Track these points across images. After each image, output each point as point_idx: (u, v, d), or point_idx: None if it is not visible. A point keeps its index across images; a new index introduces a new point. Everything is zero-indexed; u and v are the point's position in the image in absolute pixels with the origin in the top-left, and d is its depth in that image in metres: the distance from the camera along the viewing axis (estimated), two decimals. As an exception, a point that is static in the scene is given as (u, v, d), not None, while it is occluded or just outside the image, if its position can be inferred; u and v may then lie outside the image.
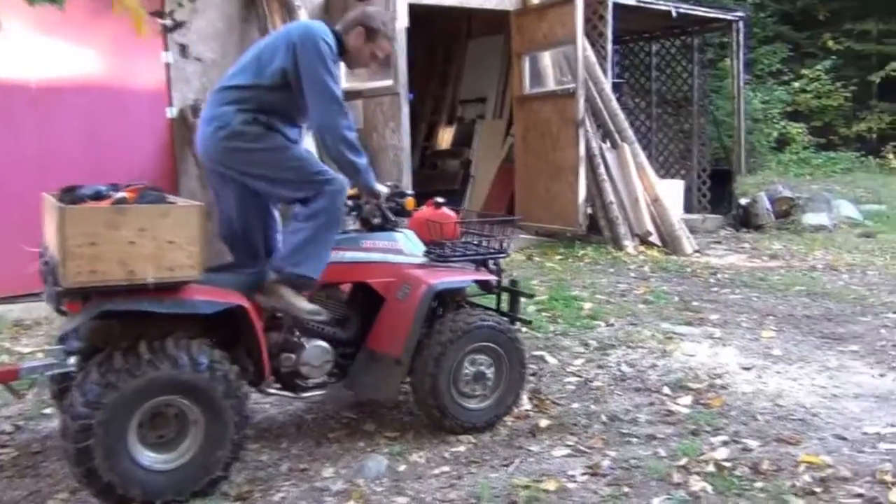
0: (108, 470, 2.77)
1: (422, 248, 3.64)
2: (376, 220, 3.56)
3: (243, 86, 3.29)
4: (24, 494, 3.02)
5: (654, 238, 8.00)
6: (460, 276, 3.56)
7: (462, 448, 3.37)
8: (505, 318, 3.68)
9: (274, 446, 3.45)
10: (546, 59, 8.64)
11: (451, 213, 3.88)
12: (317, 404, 3.91)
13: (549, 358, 4.49)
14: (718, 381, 4.09)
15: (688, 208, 10.71)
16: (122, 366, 2.78)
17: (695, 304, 5.80)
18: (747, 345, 4.76)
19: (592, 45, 8.76)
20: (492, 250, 3.72)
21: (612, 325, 5.17)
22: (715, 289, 6.38)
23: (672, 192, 10.29)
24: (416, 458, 3.28)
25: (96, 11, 5.94)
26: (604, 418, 3.66)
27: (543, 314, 5.41)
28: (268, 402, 3.82)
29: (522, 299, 4.00)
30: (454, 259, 3.62)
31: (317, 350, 3.41)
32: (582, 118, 7.96)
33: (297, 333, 3.39)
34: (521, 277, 6.55)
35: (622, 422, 3.63)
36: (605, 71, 8.76)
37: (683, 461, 3.14)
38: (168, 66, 6.52)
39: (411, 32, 6.79)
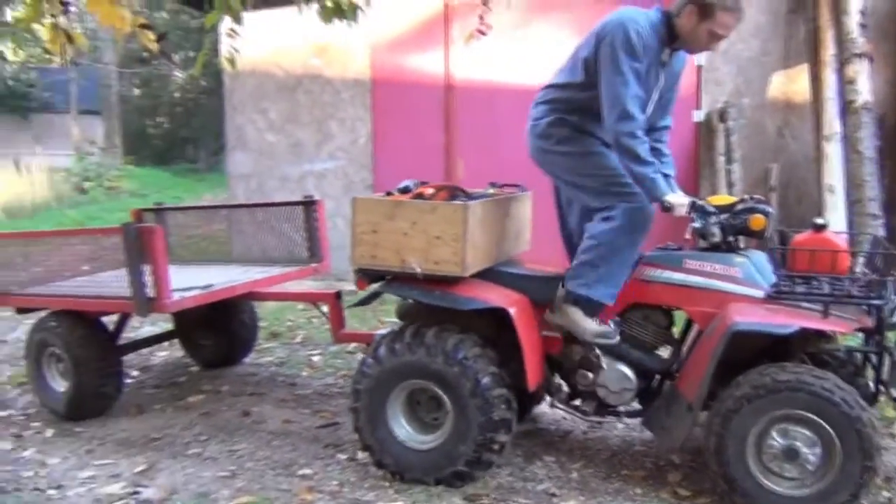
0: (368, 433, 3.13)
1: (771, 279, 2.92)
2: (713, 239, 3.00)
3: (558, 84, 3.18)
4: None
5: None
6: (782, 320, 2.73)
7: (738, 537, 2.65)
8: (850, 389, 2.66)
9: (567, 464, 3.27)
10: None
11: (836, 240, 2.98)
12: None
13: None
14: None
15: None
16: (390, 345, 3.08)
17: None
18: None
19: None
20: (857, 293, 2.74)
21: None
22: None
23: None
24: (668, 528, 2.72)
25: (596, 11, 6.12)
26: None
27: None
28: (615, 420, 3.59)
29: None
30: (796, 297, 2.79)
31: (616, 374, 3.12)
32: None
33: (597, 352, 3.14)
34: None
35: None
36: None
37: None
38: (700, 67, 6.32)
39: None
